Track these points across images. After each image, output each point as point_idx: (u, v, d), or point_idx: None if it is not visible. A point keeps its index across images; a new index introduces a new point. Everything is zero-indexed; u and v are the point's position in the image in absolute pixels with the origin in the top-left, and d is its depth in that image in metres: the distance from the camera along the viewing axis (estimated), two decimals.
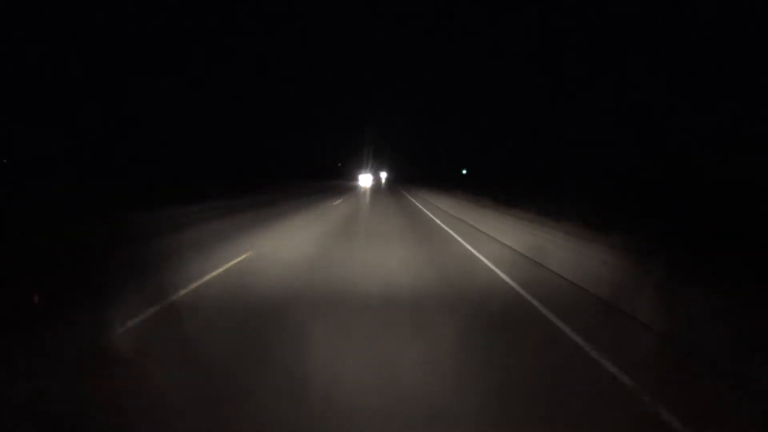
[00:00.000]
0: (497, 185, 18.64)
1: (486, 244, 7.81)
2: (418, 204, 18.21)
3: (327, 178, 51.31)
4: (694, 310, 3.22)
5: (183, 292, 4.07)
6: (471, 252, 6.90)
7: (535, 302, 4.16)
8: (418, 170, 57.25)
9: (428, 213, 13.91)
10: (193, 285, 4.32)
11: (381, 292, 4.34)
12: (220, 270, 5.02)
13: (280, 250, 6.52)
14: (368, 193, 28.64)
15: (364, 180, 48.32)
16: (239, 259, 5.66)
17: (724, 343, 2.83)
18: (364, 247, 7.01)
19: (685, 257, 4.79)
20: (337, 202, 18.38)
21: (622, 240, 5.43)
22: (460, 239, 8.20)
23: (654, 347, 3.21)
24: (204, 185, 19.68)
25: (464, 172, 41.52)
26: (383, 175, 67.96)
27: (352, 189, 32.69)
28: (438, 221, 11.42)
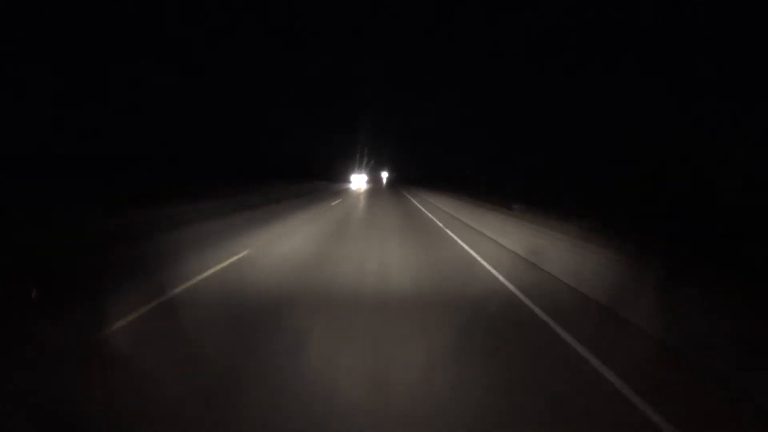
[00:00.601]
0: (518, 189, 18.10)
1: None
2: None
3: (323, 178, 48.57)
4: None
5: None
6: None
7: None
8: (419, 170, 57.21)
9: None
10: None
11: None
12: None
13: None
14: (361, 200, 19.30)
15: (358, 181, 41.11)
16: None
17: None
18: None
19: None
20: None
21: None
22: None
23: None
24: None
25: (468, 172, 41.48)
26: (384, 175, 66.71)
27: (337, 194, 24.36)
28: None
